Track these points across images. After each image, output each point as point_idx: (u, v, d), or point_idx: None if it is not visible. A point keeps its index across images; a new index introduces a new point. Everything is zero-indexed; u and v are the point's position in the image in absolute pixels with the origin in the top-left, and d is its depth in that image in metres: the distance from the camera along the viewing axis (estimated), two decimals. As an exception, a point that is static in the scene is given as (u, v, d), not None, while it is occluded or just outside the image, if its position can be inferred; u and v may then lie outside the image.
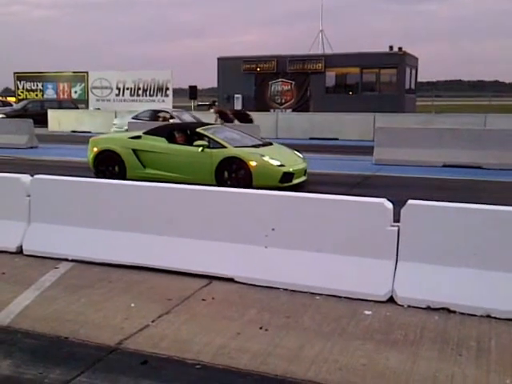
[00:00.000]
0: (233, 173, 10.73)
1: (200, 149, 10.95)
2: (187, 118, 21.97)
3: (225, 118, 20.00)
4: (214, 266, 5.54)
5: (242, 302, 4.98)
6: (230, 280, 5.44)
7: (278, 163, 10.73)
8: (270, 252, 5.47)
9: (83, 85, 36.52)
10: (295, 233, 5.44)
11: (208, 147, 10.99)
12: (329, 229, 5.32)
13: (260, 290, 5.23)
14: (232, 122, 19.69)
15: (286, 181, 10.66)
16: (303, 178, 11.35)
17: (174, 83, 35.09)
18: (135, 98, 35.06)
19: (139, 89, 35.09)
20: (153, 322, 4.52)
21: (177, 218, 5.86)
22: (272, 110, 30.50)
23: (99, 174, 11.54)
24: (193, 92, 30.54)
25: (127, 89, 35.32)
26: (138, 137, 11.77)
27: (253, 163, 10.57)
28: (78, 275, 5.68)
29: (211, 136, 11.28)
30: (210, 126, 12.11)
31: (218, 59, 33.15)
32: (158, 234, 5.88)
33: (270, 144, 12.03)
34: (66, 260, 6.06)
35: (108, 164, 11.64)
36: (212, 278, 5.50)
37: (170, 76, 34.40)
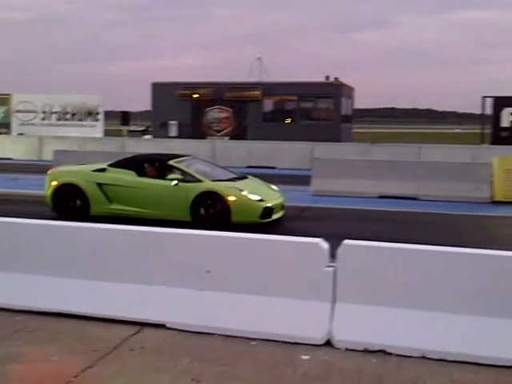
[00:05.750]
0: (210, 208, 10.40)
1: (174, 182, 10.59)
2: None
3: None
4: (144, 312, 5.41)
5: (173, 350, 4.87)
6: (162, 326, 5.31)
7: (258, 198, 10.50)
8: (205, 295, 5.39)
9: (5, 108, 35.38)
10: (232, 275, 5.40)
11: (182, 181, 10.68)
12: (265, 270, 5.31)
13: (193, 337, 5.13)
14: None
15: (266, 216, 10.46)
16: (281, 213, 11.11)
17: (107, 105, 34.63)
18: (63, 122, 34.23)
19: (67, 113, 34.28)
20: (75, 377, 4.34)
21: (103, 260, 5.70)
22: (209, 138, 30.55)
23: (58, 210, 11.03)
24: (125, 118, 30.16)
25: (54, 113, 34.45)
26: (103, 169, 11.30)
27: (231, 198, 10.28)
28: (-6, 324, 5.40)
29: (185, 169, 10.96)
30: (182, 158, 11.68)
31: (153, 85, 32.96)
32: (83, 278, 5.69)
33: (245, 177, 11.72)
34: (-19, 308, 5.76)
35: (69, 199, 11.08)
36: (142, 324, 5.36)
37: (99, 100, 33.86)
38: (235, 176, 11.64)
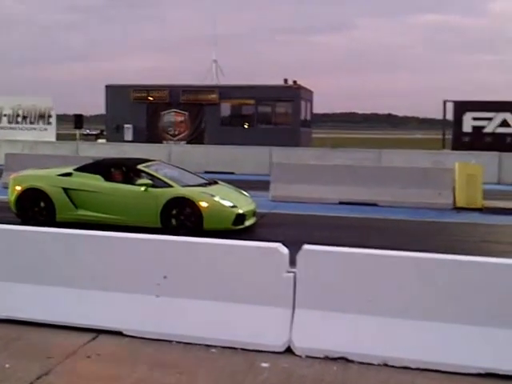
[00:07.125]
0: (181, 215, 10.30)
1: (143, 188, 10.45)
2: None
3: None
4: (100, 319, 5.36)
5: (131, 357, 4.85)
6: (119, 333, 5.28)
7: (231, 204, 10.47)
8: (161, 302, 5.39)
9: (-47, 111, 34.38)
10: (189, 280, 5.40)
11: (152, 186, 10.54)
12: (223, 276, 5.32)
13: (151, 344, 5.12)
14: None
15: (238, 223, 10.45)
16: (253, 220, 11.10)
17: (60, 109, 34.08)
18: (14, 125, 33.53)
19: (18, 116, 33.64)
20: (30, 385, 4.29)
21: (58, 265, 5.63)
22: (165, 142, 30.35)
23: (23, 216, 10.79)
24: (78, 121, 29.59)
25: (5, 115, 33.75)
26: (69, 174, 11.10)
27: (203, 204, 10.21)
28: None
29: (155, 174, 10.83)
30: (151, 163, 11.53)
31: (106, 87, 32.52)
32: (37, 284, 5.61)
33: (216, 182, 11.66)
34: None
35: (33, 205, 10.87)
36: (98, 331, 5.31)
37: (52, 103, 33.29)
38: (206, 181, 11.61)
